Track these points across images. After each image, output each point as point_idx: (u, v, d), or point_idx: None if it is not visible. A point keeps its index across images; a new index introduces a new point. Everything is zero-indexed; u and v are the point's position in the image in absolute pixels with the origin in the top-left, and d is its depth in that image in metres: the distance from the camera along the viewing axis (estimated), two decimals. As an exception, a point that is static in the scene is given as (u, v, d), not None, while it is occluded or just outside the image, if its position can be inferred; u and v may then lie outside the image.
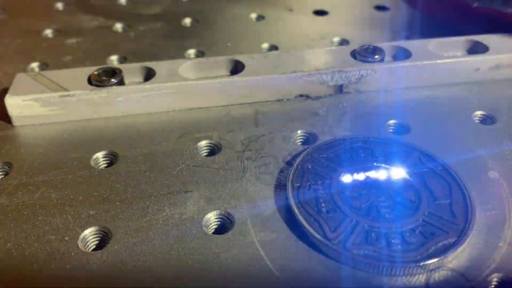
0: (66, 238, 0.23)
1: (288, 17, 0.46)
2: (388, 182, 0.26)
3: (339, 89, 0.34)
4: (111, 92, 0.31)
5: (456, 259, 0.22)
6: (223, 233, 0.24)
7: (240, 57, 0.34)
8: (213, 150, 0.29)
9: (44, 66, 0.38)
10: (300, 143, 0.30)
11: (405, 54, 0.35)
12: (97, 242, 0.24)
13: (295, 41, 0.42)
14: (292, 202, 0.24)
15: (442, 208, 0.24)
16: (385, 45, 0.35)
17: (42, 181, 0.27)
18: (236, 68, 0.34)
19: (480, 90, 0.34)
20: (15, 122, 0.31)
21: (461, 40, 0.37)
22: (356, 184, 0.25)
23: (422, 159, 0.27)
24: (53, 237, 0.24)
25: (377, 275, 0.22)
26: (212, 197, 0.26)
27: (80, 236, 0.24)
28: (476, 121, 0.32)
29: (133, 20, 0.45)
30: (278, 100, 0.33)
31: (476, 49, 0.36)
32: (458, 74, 0.35)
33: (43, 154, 0.29)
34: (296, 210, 0.24)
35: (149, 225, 0.24)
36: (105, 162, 0.29)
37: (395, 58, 0.36)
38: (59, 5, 0.47)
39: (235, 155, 0.29)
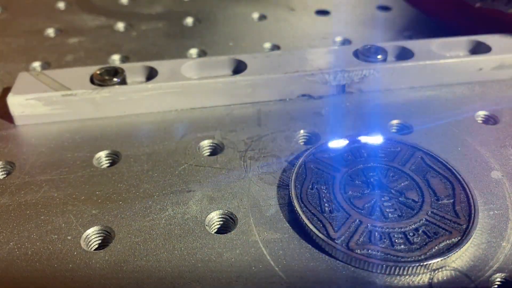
0: (69, 238, 0.23)
1: (290, 17, 0.46)
2: (391, 181, 0.26)
3: (342, 89, 0.34)
4: (113, 92, 0.31)
5: (459, 259, 0.22)
6: (226, 233, 0.24)
7: (242, 57, 0.34)
8: (216, 150, 0.29)
9: (46, 66, 0.38)
10: (303, 143, 0.30)
11: (408, 54, 0.35)
12: (100, 241, 0.24)
13: (297, 41, 0.42)
14: (295, 201, 0.24)
15: (445, 208, 0.24)
16: (388, 45, 0.35)
17: (44, 181, 0.27)
18: (239, 67, 0.34)
19: (483, 90, 0.34)
20: (17, 121, 0.31)
21: (464, 40, 0.37)
22: (359, 184, 0.25)
23: (425, 159, 0.27)
24: (56, 236, 0.24)
25: (380, 275, 0.22)
26: (214, 197, 0.26)
27: (83, 235, 0.24)
28: (479, 121, 0.32)
29: (134, 19, 0.45)
30: (281, 100, 0.33)
31: (479, 49, 0.36)
32: (461, 74, 0.35)
33: (45, 153, 0.29)
34: (299, 210, 0.24)
35: (151, 224, 0.24)
36: (107, 161, 0.29)
37: (398, 58, 0.36)
38: (61, 5, 0.47)
39: (237, 155, 0.29)
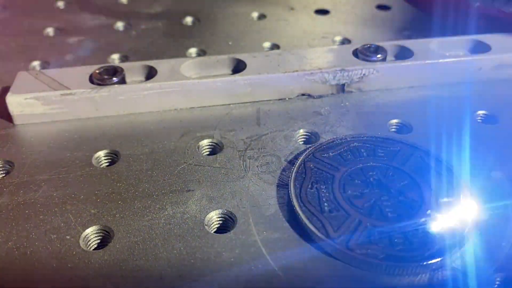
0: (68, 237, 0.23)
1: (290, 16, 0.46)
2: (391, 181, 0.25)
3: (341, 88, 0.34)
4: (113, 91, 0.31)
5: (460, 259, 0.22)
6: (225, 232, 0.24)
7: (241, 56, 0.34)
8: (215, 149, 0.29)
9: (45, 65, 0.38)
10: (302, 142, 0.30)
11: (407, 53, 0.35)
12: (99, 241, 0.24)
13: (296, 40, 0.42)
14: (294, 201, 0.24)
15: (445, 208, 0.24)
16: (387, 44, 0.35)
17: (43, 180, 0.27)
18: (238, 67, 0.34)
19: (483, 89, 0.34)
20: (17, 120, 0.31)
21: (463, 40, 0.37)
22: (359, 183, 0.25)
23: (424, 158, 0.27)
24: (55, 236, 0.23)
25: (379, 275, 0.22)
26: (214, 196, 0.26)
27: (82, 235, 0.24)
28: (479, 120, 0.32)
29: (134, 18, 0.45)
30: (280, 99, 0.33)
31: (479, 48, 0.36)
32: (460, 74, 0.35)
33: (45, 152, 0.29)
34: (298, 209, 0.24)
35: (151, 224, 0.24)
36: (106, 161, 0.29)
37: (397, 57, 0.36)
38: (61, 4, 0.47)
39: (237, 154, 0.28)
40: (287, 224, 0.24)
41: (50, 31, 0.43)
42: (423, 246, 0.22)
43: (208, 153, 0.29)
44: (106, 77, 0.31)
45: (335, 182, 0.25)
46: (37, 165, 0.28)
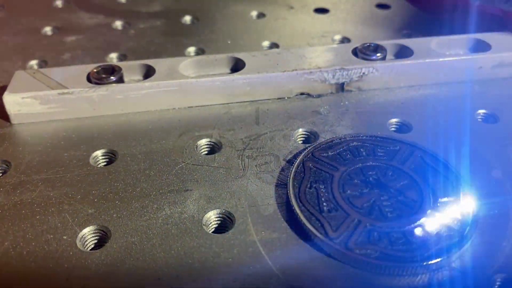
0: (65, 237, 0.23)
1: (289, 15, 0.46)
2: (390, 181, 0.25)
3: (341, 87, 0.34)
4: (111, 90, 0.31)
5: (459, 259, 0.22)
6: (224, 232, 0.24)
7: (240, 55, 0.34)
8: (213, 149, 0.29)
9: (43, 64, 0.38)
10: (301, 142, 0.30)
11: (407, 52, 0.35)
12: (96, 241, 0.24)
13: (296, 39, 0.42)
14: (293, 201, 0.24)
15: (445, 208, 0.24)
16: (387, 43, 0.35)
17: (40, 180, 0.26)
18: (237, 66, 0.34)
19: (483, 88, 0.34)
20: (14, 120, 0.31)
21: (464, 38, 0.37)
22: (358, 183, 0.25)
23: (424, 157, 0.27)
24: (51, 236, 0.23)
25: (379, 275, 0.21)
26: (212, 196, 0.25)
27: (79, 235, 0.23)
28: (479, 119, 0.31)
29: (132, 17, 0.45)
30: (279, 98, 0.33)
31: (479, 47, 0.36)
32: (461, 73, 0.35)
33: (42, 152, 0.28)
34: (297, 209, 0.24)
35: (148, 224, 0.24)
36: (104, 160, 0.29)
37: (397, 56, 0.36)
38: (59, 3, 0.47)
39: (235, 154, 0.28)
40: (285, 224, 0.24)
41: (48, 30, 0.42)
42: (423, 246, 0.22)
43: (206, 152, 0.29)
44: (104, 76, 0.31)
45: (334, 181, 0.25)
46: (34, 164, 0.28)
